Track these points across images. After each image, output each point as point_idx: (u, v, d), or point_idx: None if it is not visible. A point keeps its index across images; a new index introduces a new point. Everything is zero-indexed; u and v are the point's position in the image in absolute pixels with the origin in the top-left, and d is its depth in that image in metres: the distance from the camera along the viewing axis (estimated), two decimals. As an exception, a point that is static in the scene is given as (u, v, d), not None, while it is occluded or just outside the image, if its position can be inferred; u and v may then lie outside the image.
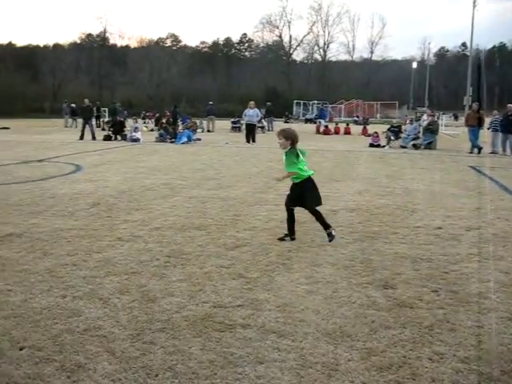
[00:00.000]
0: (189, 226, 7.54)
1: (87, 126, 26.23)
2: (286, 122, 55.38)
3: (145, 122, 39.61)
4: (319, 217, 6.79)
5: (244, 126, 28.04)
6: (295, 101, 68.58)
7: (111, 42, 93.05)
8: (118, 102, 39.81)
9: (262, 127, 35.04)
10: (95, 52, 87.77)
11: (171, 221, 7.89)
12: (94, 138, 25.69)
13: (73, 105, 39.27)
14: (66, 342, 3.94)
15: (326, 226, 6.80)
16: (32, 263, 5.75)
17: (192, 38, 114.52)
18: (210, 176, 12.84)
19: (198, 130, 31.20)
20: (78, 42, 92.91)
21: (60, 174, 12.94)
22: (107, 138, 26.00)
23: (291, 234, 6.88)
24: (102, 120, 38.55)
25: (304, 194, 6.69)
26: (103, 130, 32.45)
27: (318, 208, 6.83)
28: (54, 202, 9.21)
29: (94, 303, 4.68)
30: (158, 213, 8.45)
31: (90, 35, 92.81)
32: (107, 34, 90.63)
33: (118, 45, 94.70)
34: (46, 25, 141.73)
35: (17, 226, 7.47)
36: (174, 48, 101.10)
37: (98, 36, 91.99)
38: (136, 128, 25.90)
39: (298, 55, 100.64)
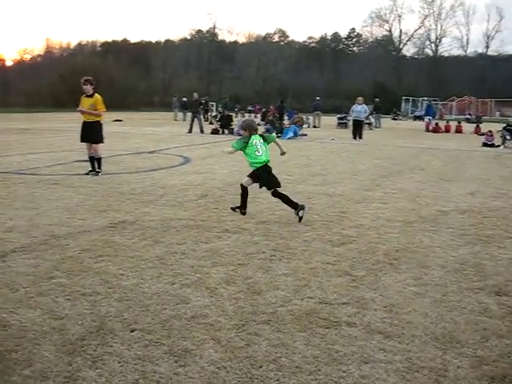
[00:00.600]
0: (294, 221, 7.56)
1: (196, 119, 26.99)
2: (393, 118, 54.19)
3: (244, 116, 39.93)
4: (285, 199, 7.74)
5: (351, 122, 27.73)
6: (404, 97, 66.91)
7: (220, 37, 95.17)
8: (228, 97, 40.51)
9: (369, 124, 34.51)
10: (204, 48, 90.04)
11: (277, 215, 7.96)
12: (201, 131, 26.40)
13: (184, 99, 40.49)
14: (174, 328, 4.08)
15: (294, 206, 7.65)
16: (143, 250, 6.01)
17: (299, 33, 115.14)
18: (316, 172, 12.81)
19: (304, 126, 31.18)
20: (188, 38, 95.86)
21: (169, 165, 13.42)
22: (215, 132, 26.63)
23: (243, 207, 7.95)
24: (209, 114, 39.48)
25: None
26: (211, 123, 33.25)
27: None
28: (164, 192, 9.57)
29: (201, 292, 4.81)
30: (263, 206, 8.55)
31: (199, 31, 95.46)
32: (216, 30, 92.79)
33: (227, 40, 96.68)
34: (158, 21, 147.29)
35: (129, 213, 7.84)
36: (282, 43, 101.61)
37: (207, 32, 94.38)
38: (243, 122, 26.28)
39: (408, 50, 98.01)
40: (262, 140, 7.93)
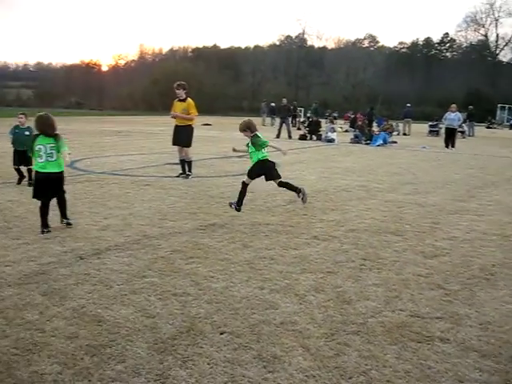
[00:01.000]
0: (384, 230, 7.42)
1: (284, 124, 27.09)
2: (488, 127, 52.13)
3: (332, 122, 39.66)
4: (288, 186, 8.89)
5: (443, 130, 26.92)
6: (499, 105, 64.23)
7: (309, 43, 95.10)
8: (318, 102, 40.39)
9: (463, 132, 33.36)
10: (293, 53, 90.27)
11: (367, 223, 7.83)
12: (290, 136, 26.46)
13: (272, 104, 40.73)
14: (263, 333, 4.09)
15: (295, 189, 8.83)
16: (233, 253, 6.08)
17: (390, 39, 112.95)
18: (407, 180, 12.52)
19: (394, 133, 30.59)
20: (277, 43, 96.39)
21: (258, 170, 13.51)
22: (303, 138, 26.62)
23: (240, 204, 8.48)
24: (297, 120, 39.52)
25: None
26: (298, 129, 33.28)
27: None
28: (253, 196, 9.64)
29: (289, 298, 4.80)
30: (353, 214, 8.44)
31: (288, 37, 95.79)
32: (305, 36, 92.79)
33: (316, 46, 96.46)
34: (248, 27, 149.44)
35: (218, 216, 7.96)
36: (372, 49, 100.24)
37: (296, 37, 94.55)
38: (332, 128, 26.16)
39: (505, 55, 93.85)
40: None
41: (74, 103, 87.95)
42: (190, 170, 11.78)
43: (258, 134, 8.78)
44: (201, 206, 8.69)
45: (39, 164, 6.91)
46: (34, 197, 7.09)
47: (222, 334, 4.07)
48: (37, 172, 7.00)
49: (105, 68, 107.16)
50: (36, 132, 7.08)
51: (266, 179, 8.91)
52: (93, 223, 7.40)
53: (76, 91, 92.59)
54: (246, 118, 9.06)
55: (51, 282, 5.06)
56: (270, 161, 8.83)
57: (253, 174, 8.78)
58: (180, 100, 11.55)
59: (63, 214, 7.28)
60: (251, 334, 4.08)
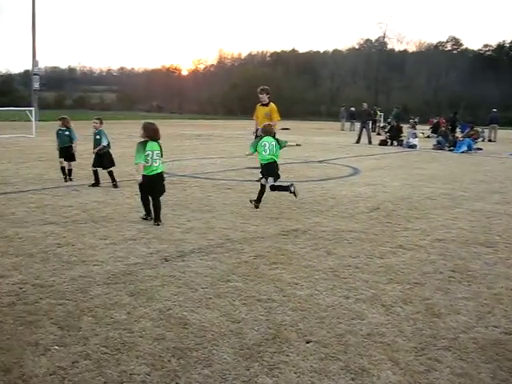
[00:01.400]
0: (473, 241, 7.14)
1: (364, 129, 26.74)
2: None
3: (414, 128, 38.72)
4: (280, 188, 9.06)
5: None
6: None
7: (389, 46, 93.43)
8: (400, 107, 39.57)
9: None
10: (373, 57, 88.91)
11: (454, 233, 7.56)
12: (370, 142, 26.08)
13: (352, 108, 40.30)
14: (350, 344, 4.00)
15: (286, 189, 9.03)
16: (316, 260, 6.01)
17: (474, 41, 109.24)
18: (495, 189, 12.03)
19: (479, 139, 29.56)
20: (357, 47, 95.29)
21: (339, 175, 13.39)
22: (383, 143, 26.16)
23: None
24: (377, 125, 38.90)
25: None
26: (378, 134, 32.76)
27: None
28: (335, 202, 9.54)
29: (376, 308, 4.68)
30: (439, 223, 8.18)
31: (368, 40, 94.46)
32: (386, 39, 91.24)
33: (396, 49, 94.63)
34: (327, 32, 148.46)
35: (301, 222, 7.90)
36: (455, 52, 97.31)
37: (376, 41, 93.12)
38: (414, 134, 25.57)
39: None
40: (273, 142, 9.04)
41: (154, 107, 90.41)
42: (271, 175, 11.76)
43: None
44: (282, 211, 8.67)
45: (147, 168, 7.46)
46: (142, 199, 7.77)
47: (308, 342, 4.01)
48: (144, 176, 7.48)
49: (185, 72, 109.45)
50: (143, 139, 7.54)
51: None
52: (176, 225, 7.52)
53: (157, 95, 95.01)
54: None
55: (138, 282, 5.16)
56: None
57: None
58: (263, 104, 11.59)
59: (157, 216, 7.61)
60: (338, 344, 4.00)
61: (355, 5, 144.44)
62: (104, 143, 11.04)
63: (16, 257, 5.94)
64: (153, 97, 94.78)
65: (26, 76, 77.86)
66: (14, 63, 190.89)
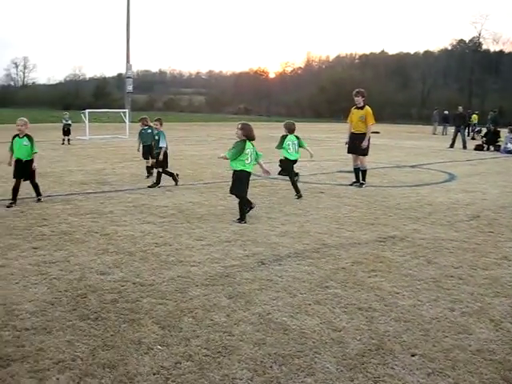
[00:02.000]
0: None
1: (459, 134, 25.82)
2: None
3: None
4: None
5: None
6: None
7: (484, 47, 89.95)
8: (497, 111, 37.98)
9: None
10: (466, 58, 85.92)
11: None
12: (464, 146, 25.15)
13: (446, 112, 39.06)
14: (459, 359, 3.81)
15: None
16: (416, 269, 5.81)
17: None
18: None
19: None
20: (449, 48, 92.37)
21: (433, 181, 12.97)
22: (479, 148, 25.16)
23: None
24: (473, 129, 37.47)
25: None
26: (473, 139, 31.58)
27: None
28: (432, 209, 9.22)
29: (484, 323, 4.45)
30: (547, 234, 7.72)
31: (461, 41, 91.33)
32: (481, 39, 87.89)
33: (491, 50, 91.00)
34: (417, 32, 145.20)
35: (397, 229, 7.69)
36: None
37: (470, 41, 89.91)
38: (512, 139, 24.43)
39: None
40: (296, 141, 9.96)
41: (242, 109, 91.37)
42: (364, 179, 11.59)
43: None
44: (378, 217, 8.47)
45: (247, 164, 7.97)
46: (245, 194, 8.17)
47: (413, 355, 3.86)
48: (243, 171, 7.97)
49: (272, 75, 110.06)
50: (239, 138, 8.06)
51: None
52: (271, 229, 7.51)
53: (244, 98, 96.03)
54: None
55: (236, 285, 5.17)
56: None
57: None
58: (358, 107, 11.41)
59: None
60: (445, 359, 3.82)
61: (447, 4, 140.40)
62: (163, 145, 11.22)
63: (116, 254, 6.12)
64: (240, 99, 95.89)
65: (120, 79, 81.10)
66: (108, 67, 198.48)
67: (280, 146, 10.44)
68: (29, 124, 9.37)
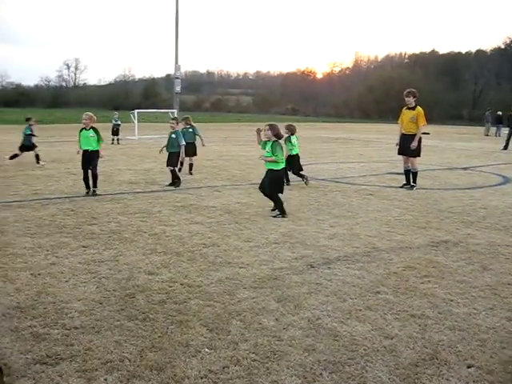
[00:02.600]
0: None
1: (512, 135, 25.06)
2: None
3: None
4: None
5: None
6: None
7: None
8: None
9: None
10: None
11: None
12: (520, 148, 24.40)
13: (499, 112, 38.00)
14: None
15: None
16: (471, 276, 5.60)
17: None
18: None
19: None
20: (502, 46, 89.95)
21: (487, 184, 12.59)
22: (533, 150, 24.37)
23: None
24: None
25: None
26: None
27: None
28: (486, 213, 8.93)
29: (545, 335, 4.24)
30: None
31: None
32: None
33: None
34: (469, 31, 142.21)
35: (450, 233, 7.46)
36: None
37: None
38: None
39: None
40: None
41: (289, 110, 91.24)
42: (414, 181, 11.34)
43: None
44: (430, 221, 8.25)
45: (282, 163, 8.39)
46: (281, 192, 8.54)
47: (469, 367, 3.70)
48: (280, 170, 8.40)
49: (319, 75, 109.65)
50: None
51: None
52: (320, 231, 7.40)
53: (292, 98, 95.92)
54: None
55: (284, 288, 5.08)
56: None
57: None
58: (409, 108, 11.16)
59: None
60: (504, 372, 3.64)
61: (501, 1, 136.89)
62: (182, 142, 11.45)
63: (164, 254, 6.12)
64: (288, 100, 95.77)
65: (168, 80, 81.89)
66: (157, 68, 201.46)
67: (290, 145, 11.37)
68: (94, 117, 10.19)
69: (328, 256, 6.17)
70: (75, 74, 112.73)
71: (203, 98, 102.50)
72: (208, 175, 13.00)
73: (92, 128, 10.02)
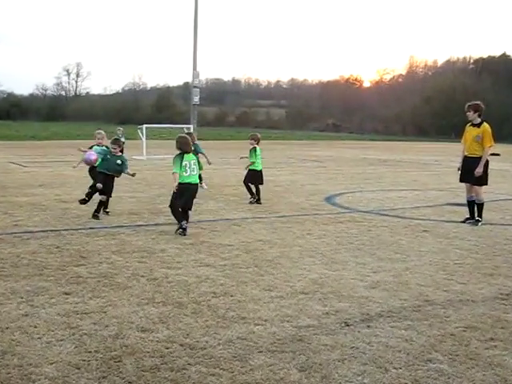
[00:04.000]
0: None
1: None
2: None
3: None
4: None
5: None
6: None
7: None
8: None
9: None
10: None
11: None
12: None
13: None
14: None
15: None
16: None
17: None
18: None
19: None
20: None
21: None
22: None
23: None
24: None
25: None
26: None
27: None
28: None
29: None
30: None
31: None
32: None
33: None
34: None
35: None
36: None
37: None
38: None
39: None
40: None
41: (330, 125, 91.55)
42: (480, 215, 11.05)
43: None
44: (498, 266, 7.97)
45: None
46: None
47: None
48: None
49: (367, 84, 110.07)
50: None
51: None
52: (359, 277, 7.16)
53: (333, 111, 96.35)
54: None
55: (310, 353, 4.83)
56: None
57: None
58: (473, 125, 10.91)
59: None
60: None
61: None
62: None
63: (164, 305, 5.95)
64: (328, 113, 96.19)
65: (186, 89, 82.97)
66: (173, 75, 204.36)
67: (255, 157, 13.33)
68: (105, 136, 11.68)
69: (368, 311, 5.93)
70: (76, 82, 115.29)
71: (227, 110, 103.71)
72: (226, 205, 12.89)
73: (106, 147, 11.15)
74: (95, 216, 10.64)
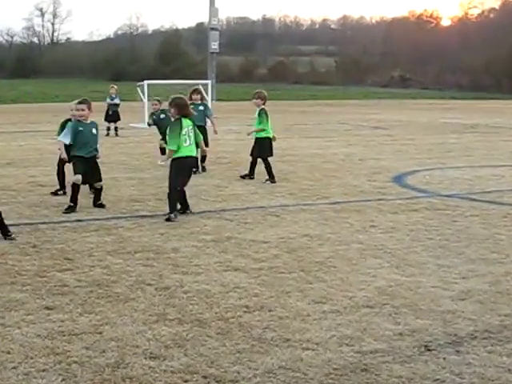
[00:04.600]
0: None
1: None
2: None
3: None
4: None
5: None
6: None
7: None
8: None
9: None
10: None
11: None
12: None
13: None
14: None
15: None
16: None
17: None
18: None
19: None
20: None
21: None
22: None
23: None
24: None
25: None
26: None
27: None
28: None
29: None
30: None
31: None
32: None
33: None
34: None
35: None
36: None
37: None
38: None
39: None
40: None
41: (396, 79, 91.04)
42: None
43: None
44: None
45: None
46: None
47: None
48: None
49: (446, 22, 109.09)
50: None
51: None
52: (443, 285, 7.19)
53: (400, 60, 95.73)
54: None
55: (379, 387, 4.86)
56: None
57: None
58: None
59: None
60: None
61: None
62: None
63: (179, 324, 6.02)
64: (393, 63, 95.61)
65: (199, 32, 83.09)
66: (183, 14, 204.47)
67: (266, 122, 13.95)
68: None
69: (456, 331, 5.95)
70: (53, 25, 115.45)
71: (256, 60, 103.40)
72: (259, 187, 12.92)
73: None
74: (100, 205, 10.98)
